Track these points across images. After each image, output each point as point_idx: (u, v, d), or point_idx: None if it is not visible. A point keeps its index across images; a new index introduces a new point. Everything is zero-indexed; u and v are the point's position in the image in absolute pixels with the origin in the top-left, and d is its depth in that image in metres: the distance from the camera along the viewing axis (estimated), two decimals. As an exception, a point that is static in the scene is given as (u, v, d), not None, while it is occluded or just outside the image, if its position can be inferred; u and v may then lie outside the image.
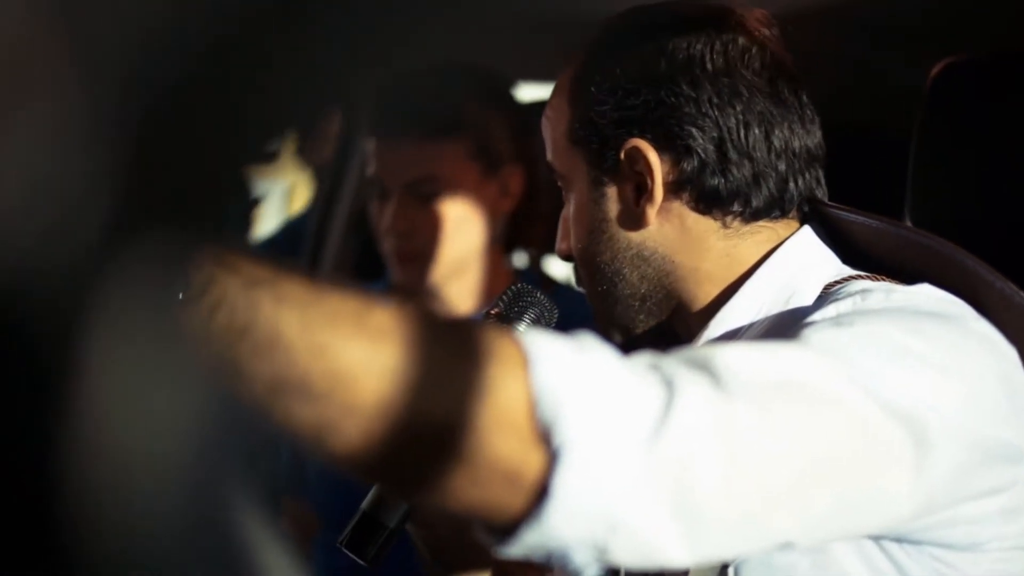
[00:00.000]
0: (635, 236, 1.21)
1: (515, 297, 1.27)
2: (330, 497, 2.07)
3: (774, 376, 0.90)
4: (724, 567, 1.07)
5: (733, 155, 1.17)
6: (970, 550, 1.03)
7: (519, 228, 2.08)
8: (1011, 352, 1.06)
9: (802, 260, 1.18)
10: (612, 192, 1.21)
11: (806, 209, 1.21)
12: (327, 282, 0.78)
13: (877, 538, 1.03)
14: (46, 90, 0.47)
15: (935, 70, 1.50)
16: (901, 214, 1.50)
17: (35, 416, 0.50)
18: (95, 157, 0.48)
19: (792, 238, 1.19)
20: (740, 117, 1.17)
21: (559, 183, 1.28)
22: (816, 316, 1.06)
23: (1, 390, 0.50)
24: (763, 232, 1.19)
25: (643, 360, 0.88)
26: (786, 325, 1.08)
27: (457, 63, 1.93)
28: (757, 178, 1.18)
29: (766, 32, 1.22)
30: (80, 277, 0.49)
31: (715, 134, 1.17)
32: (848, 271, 1.18)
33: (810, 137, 1.21)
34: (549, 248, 1.55)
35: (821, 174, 1.22)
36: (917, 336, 0.99)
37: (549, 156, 1.27)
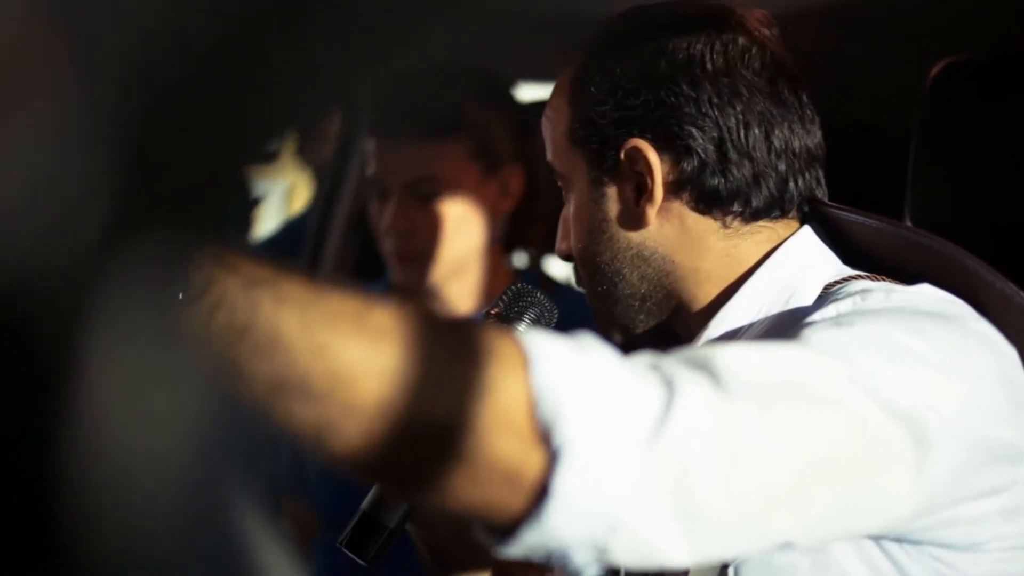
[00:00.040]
0: (635, 236, 1.21)
1: (515, 297, 1.27)
2: (330, 497, 2.07)
3: (774, 376, 0.90)
4: (724, 567, 1.07)
5: (733, 155, 1.17)
6: (970, 550, 1.03)
7: (519, 228, 2.08)
8: (1011, 352, 1.06)
9: (802, 260, 1.18)
10: (612, 192, 1.21)
11: (806, 209, 1.21)
12: (327, 282, 0.78)
13: (877, 538, 1.03)
14: (46, 90, 0.47)
15: (935, 70, 1.50)
16: (901, 214, 1.50)
17: (35, 416, 0.50)
18: (95, 157, 0.48)
19: (792, 238, 1.19)
20: (740, 117, 1.17)
21: (559, 183, 1.28)
22: (816, 316, 1.06)
23: (1, 390, 0.50)
24: (763, 232, 1.19)
25: (643, 360, 0.88)
26: (786, 325, 1.08)
27: (457, 63, 1.93)
28: (757, 178, 1.18)
29: (766, 32, 1.22)
30: (80, 277, 0.49)
31: (715, 134, 1.17)
32: (848, 271, 1.18)
33: (810, 137, 1.21)
34: (549, 248, 1.55)
35: (821, 174, 1.22)
36: (917, 336, 0.99)
37: (549, 156, 1.27)
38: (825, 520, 0.93)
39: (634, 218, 1.20)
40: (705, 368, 0.88)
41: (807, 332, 0.99)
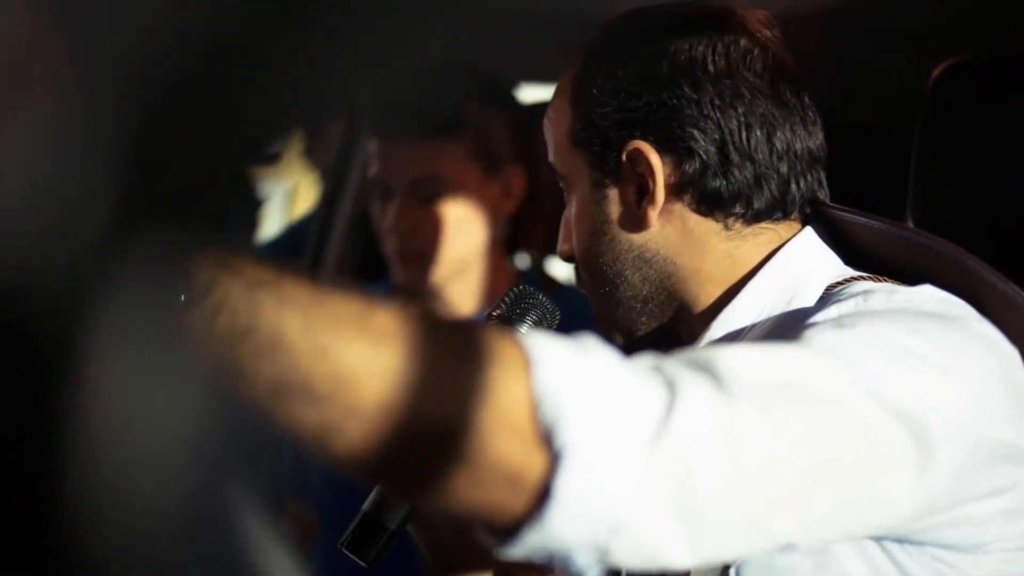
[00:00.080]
0: (637, 238, 1.21)
1: (517, 299, 1.27)
2: (332, 498, 2.07)
3: (776, 377, 0.90)
4: (725, 568, 1.07)
5: (735, 157, 1.17)
6: (972, 551, 1.03)
7: (522, 229, 2.09)
8: (1013, 353, 1.06)
9: (804, 261, 1.18)
10: (614, 194, 1.21)
11: (808, 211, 1.21)
12: (329, 284, 0.78)
13: (879, 539, 1.02)
14: (46, 90, 0.47)
15: (937, 71, 1.50)
16: (903, 215, 1.50)
17: (36, 416, 0.50)
18: (95, 157, 0.48)
19: (794, 239, 1.19)
20: (742, 119, 1.17)
21: (560, 184, 1.28)
22: (818, 317, 1.06)
23: (2, 390, 0.50)
24: (765, 234, 1.19)
25: (645, 362, 0.88)
26: (788, 326, 1.08)
27: (457, 63, 1.93)
28: (759, 180, 1.18)
29: (768, 34, 1.22)
30: (80, 277, 0.49)
31: (717, 136, 1.17)
32: (850, 272, 1.18)
33: (812, 139, 1.21)
34: (552, 249, 1.55)
35: (823, 176, 1.22)
36: (919, 337, 0.99)
37: (551, 157, 1.27)
38: (827, 521, 0.93)
39: (636, 220, 1.20)
40: (707, 370, 0.88)
41: (809, 333, 0.99)
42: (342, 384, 0.76)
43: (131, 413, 0.51)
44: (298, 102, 0.54)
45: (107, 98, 0.47)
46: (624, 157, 1.19)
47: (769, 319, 1.16)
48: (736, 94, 1.17)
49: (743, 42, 1.19)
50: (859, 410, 0.92)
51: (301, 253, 2.52)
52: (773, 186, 1.18)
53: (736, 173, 1.17)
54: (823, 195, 1.22)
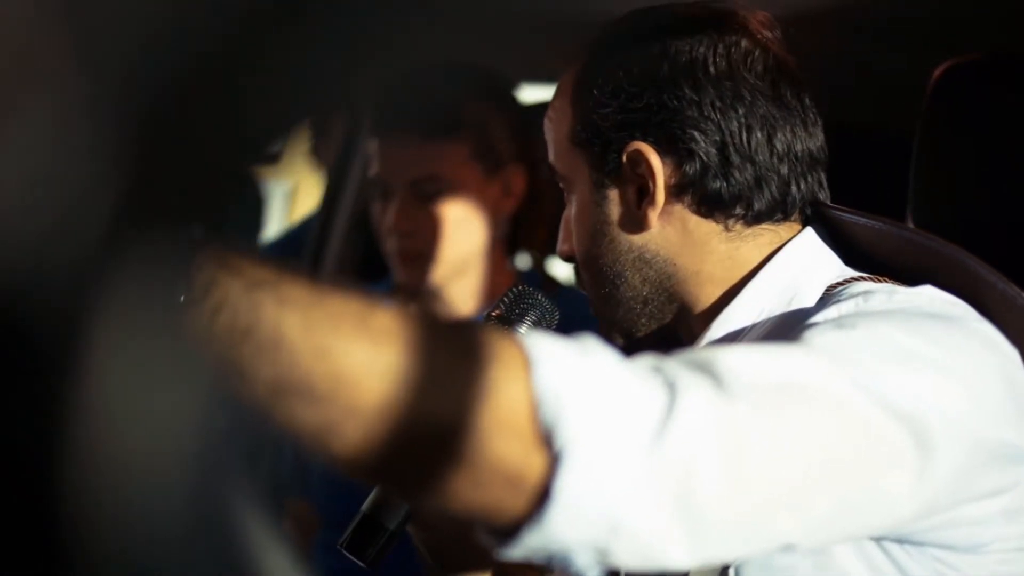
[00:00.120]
0: (637, 239, 1.21)
1: (516, 299, 1.26)
2: (332, 498, 2.07)
3: (776, 378, 0.90)
4: (725, 569, 1.07)
5: (735, 158, 1.17)
6: (972, 551, 1.03)
7: (522, 229, 2.09)
8: (1013, 353, 1.06)
9: (804, 262, 1.18)
10: (614, 195, 1.21)
11: (808, 211, 1.21)
12: (329, 284, 0.78)
13: (879, 539, 1.02)
14: (48, 89, 0.47)
15: (937, 71, 1.50)
16: (903, 215, 1.50)
17: (36, 416, 0.50)
18: (96, 156, 0.48)
19: (794, 240, 1.19)
20: (742, 120, 1.17)
21: (561, 185, 1.28)
22: (818, 317, 1.06)
23: (2, 390, 0.50)
24: (765, 235, 1.19)
25: (645, 362, 0.88)
26: (788, 326, 1.08)
27: (457, 63, 1.93)
28: (759, 181, 1.18)
29: (768, 35, 1.22)
30: (81, 277, 0.49)
31: (717, 137, 1.17)
32: (850, 272, 1.18)
33: (812, 140, 1.21)
34: (552, 249, 1.56)
35: (823, 177, 1.22)
36: (919, 337, 0.99)
37: (551, 157, 1.27)
38: (827, 521, 0.93)
39: (636, 221, 1.20)
40: (707, 370, 0.88)
41: (809, 333, 0.99)
42: (342, 384, 0.75)
43: (131, 413, 0.51)
44: (298, 102, 0.54)
45: (108, 97, 0.47)
46: (624, 158, 1.19)
47: (769, 320, 1.16)
48: (737, 95, 1.17)
49: (744, 43, 1.19)
50: (859, 410, 0.91)
51: (302, 253, 2.52)
52: (773, 187, 1.18)
53: (736, 174, 1.17)
54: (823, 196, 1.22)
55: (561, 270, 2.30)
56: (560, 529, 0.80)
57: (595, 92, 1.21)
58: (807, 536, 0.93)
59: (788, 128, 1.19)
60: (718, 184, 1.17)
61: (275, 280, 0.75)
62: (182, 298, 0.63)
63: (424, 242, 1.98)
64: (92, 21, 0.47)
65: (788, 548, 0.92)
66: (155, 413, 0.53)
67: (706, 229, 1.19)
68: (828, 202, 1.22)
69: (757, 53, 1.19)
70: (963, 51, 1.52)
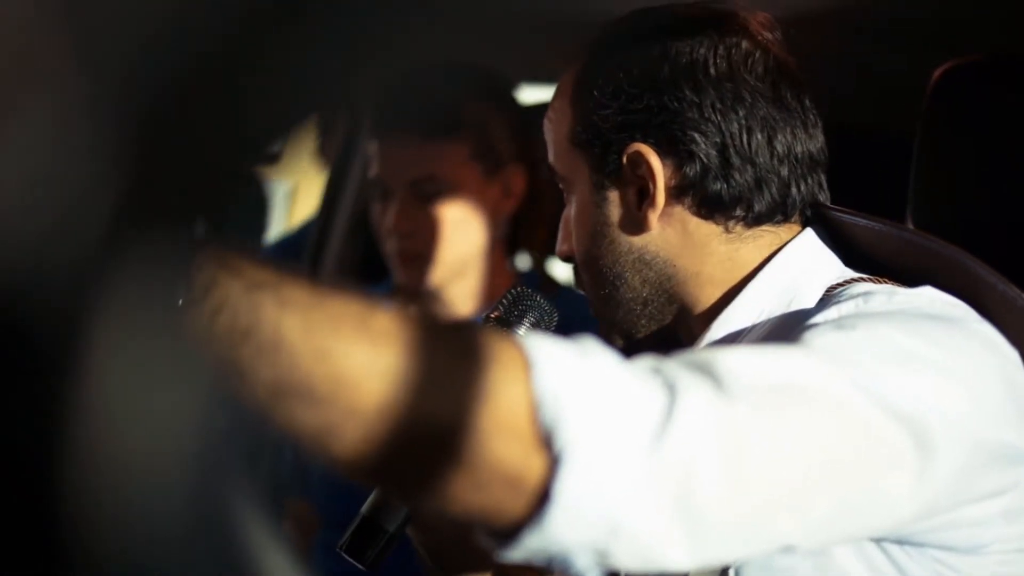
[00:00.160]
0: (637, 240, 1.21)
1: (515, 300, 1.26)
2: (332, 498, 2.07)
3: (776, 379, 0.90)
4: (725, 570, 1.07)
5: (735, 160, 1.17)
6: (972, 552, 1.03)
7: (522, 230, 2.09)
8: (1013, 354, 1.06)
9: (804, 263, 1.18)
10: (614, 196, 1.21)
11: (808, 213, 1.21)
12: (329, 285, 0.78)
13: (879, 540, 1.02)
14: (48, 89, 0.47)
15: (938, 72, 1.50)
16: (904, 216, 1.50)
17: (36, 416, 0.50)
18: (96, 156, 0.48)
19: (794, 241, 1.19)
20: (743, 122, 1.17)
21: (560, 185, 1.28)
22: (818, 318, 1.06)
23: (2, 390, 0.50)
24: (765, 236, 1.19)
25: (645, 364, 0.88)
26: (788, 328, 1.08)
27: (457, 63, 1.93)
28: (759, 183, 1.18)
29: (769, 36, 1.22)
30: (81, 277, 0.49)
31: (718, 139, 1.17)
32: (850, 274, 1.18)
33: (812, 141, 1.21)
34: (552, 250, 1.56)
35: (823, 178, 1.22)
36: (919, 338, 0.99)
37: (551, 158, 1.27)
38: (827, 523, 0.93)
39: (636, 222, 1.20)
40: (707, 371, 0.88)
41: (809, 335, 0.99)
42: (342, 385, 0.75)
43: (131, 413, 0.51)
44: (298, 102, 0.54)
45: (108, 97, 0.47)
46: (624, 159, 1.19)
47: (769, 321, 1.16)
48: (737, 97, 1.17)
49: (744, 45, 1.19)
50: (859, 411, 0.91)
51: (302, 254, 2.52)
52: (774, 189, 1.18)
53: (737, 176, 1.17)
54: (824, 197, 1.22)
55: (561, 271, 2.30)
56: (560, 531, 0.80)
57: (595, 93, 1.21)
58: (807, 537, 0.93)
59: (788, 129, 1.19)
60: (718, 186, 1.17)
61: (275, 281, 0.75)
62: (182, 298, 0.63)
63: (424, 243, 1.98)
64: (92, 21, 0.47)
65: (788, 549, 0.92)
66: (155, 413, 0.53)
67: (706, 230, 1.19)
68: (828, 203, 1.22)
69: (758, 54, 1.19)
70: (963, 52, 1.52)
